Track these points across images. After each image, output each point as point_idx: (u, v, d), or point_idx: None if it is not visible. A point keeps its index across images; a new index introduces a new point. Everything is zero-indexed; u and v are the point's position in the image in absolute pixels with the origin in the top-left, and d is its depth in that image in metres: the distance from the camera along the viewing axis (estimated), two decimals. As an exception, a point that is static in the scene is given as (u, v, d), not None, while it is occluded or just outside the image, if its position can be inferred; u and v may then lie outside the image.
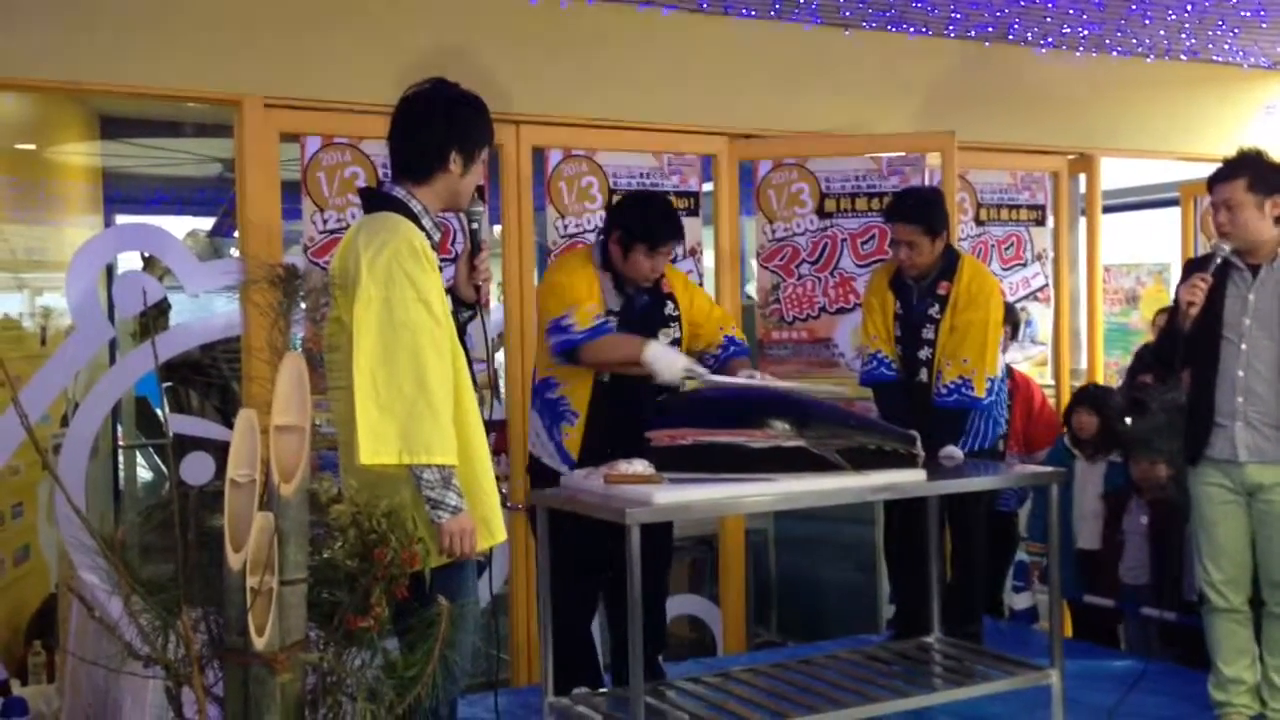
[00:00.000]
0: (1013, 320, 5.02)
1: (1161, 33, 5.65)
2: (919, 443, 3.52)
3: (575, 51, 4.83)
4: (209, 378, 6.92)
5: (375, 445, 2.53)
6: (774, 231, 5.18)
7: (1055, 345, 5.97)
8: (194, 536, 2.29)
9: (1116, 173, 7.01)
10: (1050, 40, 5.72)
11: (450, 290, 2.93)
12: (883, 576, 5.39)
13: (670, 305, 3.89)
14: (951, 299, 4.24)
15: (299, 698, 2.25)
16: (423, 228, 2.74)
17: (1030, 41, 5.71)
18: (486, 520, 2.72)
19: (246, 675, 2.20)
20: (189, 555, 2.27)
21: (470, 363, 2.84)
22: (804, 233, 5.15)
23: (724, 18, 5.10)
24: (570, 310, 3.66)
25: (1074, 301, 6.14)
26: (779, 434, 3.34)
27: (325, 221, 4.36)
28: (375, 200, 2.82)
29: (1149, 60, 6.10)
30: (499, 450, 4.59)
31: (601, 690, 3.82)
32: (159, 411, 6.94)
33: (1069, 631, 4.96)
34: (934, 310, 4.26)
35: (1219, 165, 3.72)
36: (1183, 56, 6.09)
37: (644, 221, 3.75)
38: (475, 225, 2.99)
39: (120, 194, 7.71)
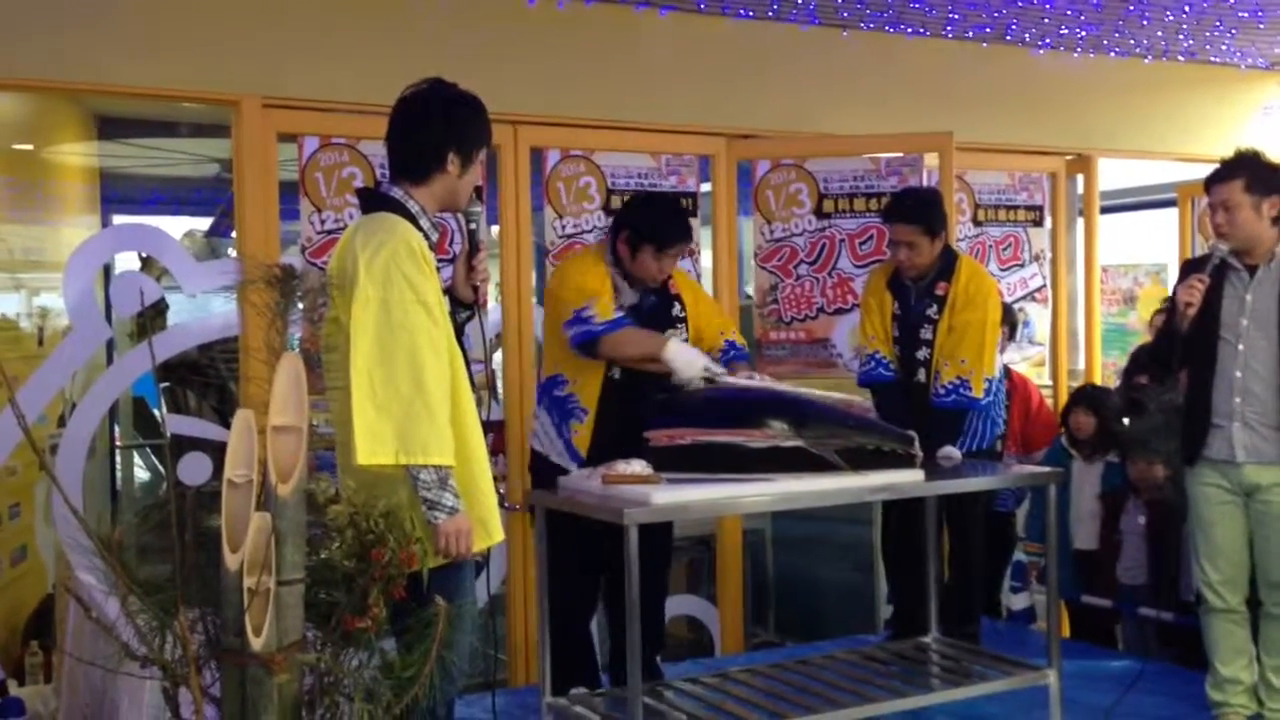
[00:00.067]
0: (1010, 321, 5.02)
1: (1159, 33, 5.65)
2: (917, 443, 3.52)
3: (573, 52, 4.83)
4: (206, 378, 6.91)
5: (372, 446, 2.52)
6: (772, 232, 5.18)
7: (1053, 346, 5.97)
8: (191, 537, 2.29)
9: (1114, 173, 7.01)
10: (1048, 41, 5.72)
11: (448, 291, 2.93)
12: (880, 577, 5.40)
13: (678, 306, 3.90)
14: (949, 299, 4.24)
15: (296, 698, 2.25)
16: (420, 228, 2.74)
17: (1028, 42, 5.71)
18: (484, 521, 2.72)
19: (244, 676, 2.19)
20: (186, 556, 2.27)
21: (468, 363, 2.83)
22: (802, 233, 5.15)
23: (722, 18, 5.10)
24: (591, 302, 3.66)
25: (1072, 302, 6.15)
26: (777, 434, 3.34)
27: (323, 222, 4.35)
28: (373, 201, 2.82)
29: (1147, 61, 6.10)
30: (497, 450, 4.59)
31: (599, 690, 3.82)
32: (156, 412, 6.93)
33: (1066, 632, 4.96)
34: (932, 311, 4.26)
35: (1216, 166, 3.72)
36: (1180, 57, 6.10)
37: (652, 223, 3.76)
38: (473, 225, 2.98)
39: (117, 194, 7.71)
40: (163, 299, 5.58)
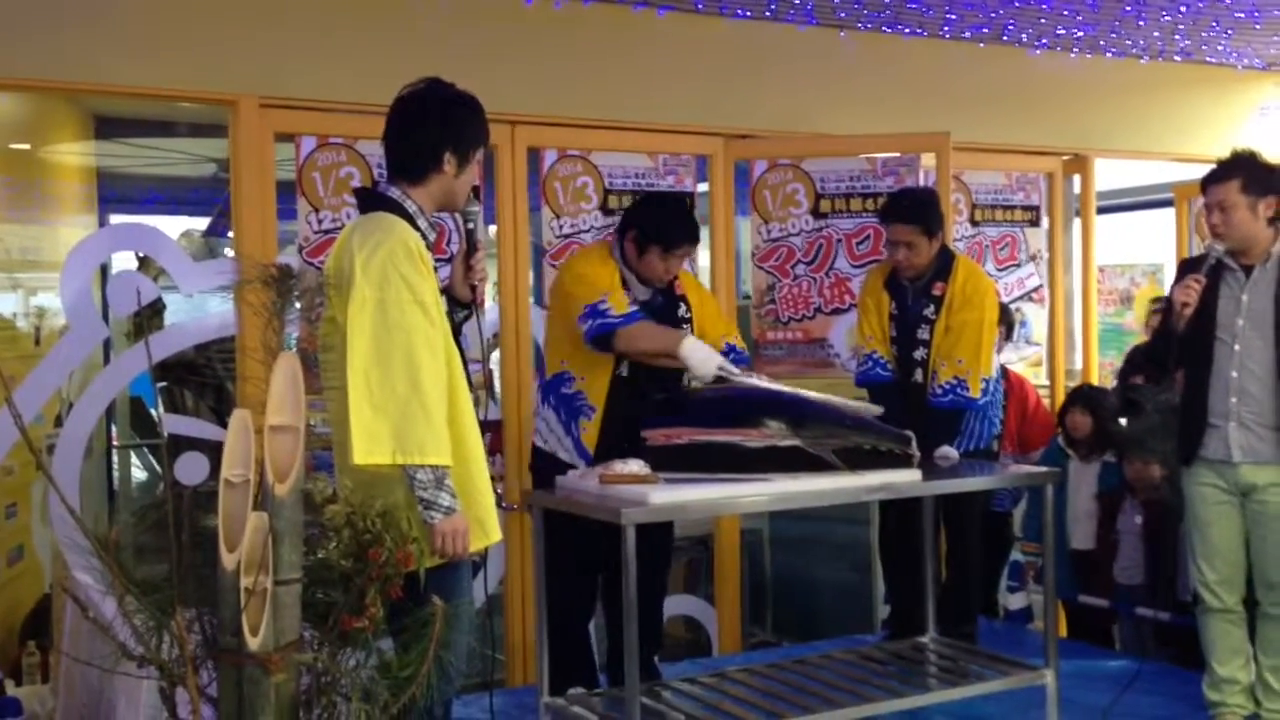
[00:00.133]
0: (1007, 321, 5.02)
1: (1156, 34, 5.65)
2: (914, 443, 3.52)
3: (571, 52, 4.83)
4: (203, 378, 6.90)
5: (369, 445, 2.52)
6: (769, 232, 5.18)
7: (1050, 346, 5.98)
8: (188, 537, 2.29)
9: (1111, 173, 7.02)
10: (1045, 41, 5.72)
11: (445, 290, 2.93)
12: (878, 577, 5.40)
13: (683, 307, 3.90)
14: (947, 299, 4.24)
15: (293, 698, 2.25)
16: (418, 228, 2.74)
17: (1025, 43, 5.72)
18: (481, 520, 2.72)
19: (241, 676, 2.19)
20: (183, 555, 2.27)
21: (465, 363, 2.83)
22: (799, 233, 5.15)
23: (719, 18, 5.10)
24: (605, 296, 3.66)
25: (1068, 302, 6.15)
26: (774, 434, 3.34)
27: (320, 222, 4.35)
28: (370, 200, 2.82)
29: (1143, 61, 6.11)
30: (495, 450, 4.58)
31: (597, 690, 3.82)
32: (153, 411, 6.93)
33: (1064, 631, 4.96)
34: (929, 311, 4.26)
35: (1213, 166, 3.72)
36: (1177, 58, 6.10)
37: (660, 223, 3.76)
38: (471, 225, 2.98)
39: (115, 194, 7.70)
40: (160, 299, 5.57)
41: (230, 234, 5.04)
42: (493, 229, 4.88)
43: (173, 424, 5.33)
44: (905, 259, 4.23)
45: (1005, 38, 5.62)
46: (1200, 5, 5.22)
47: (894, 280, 4.34)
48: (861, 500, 4.23)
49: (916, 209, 4.24)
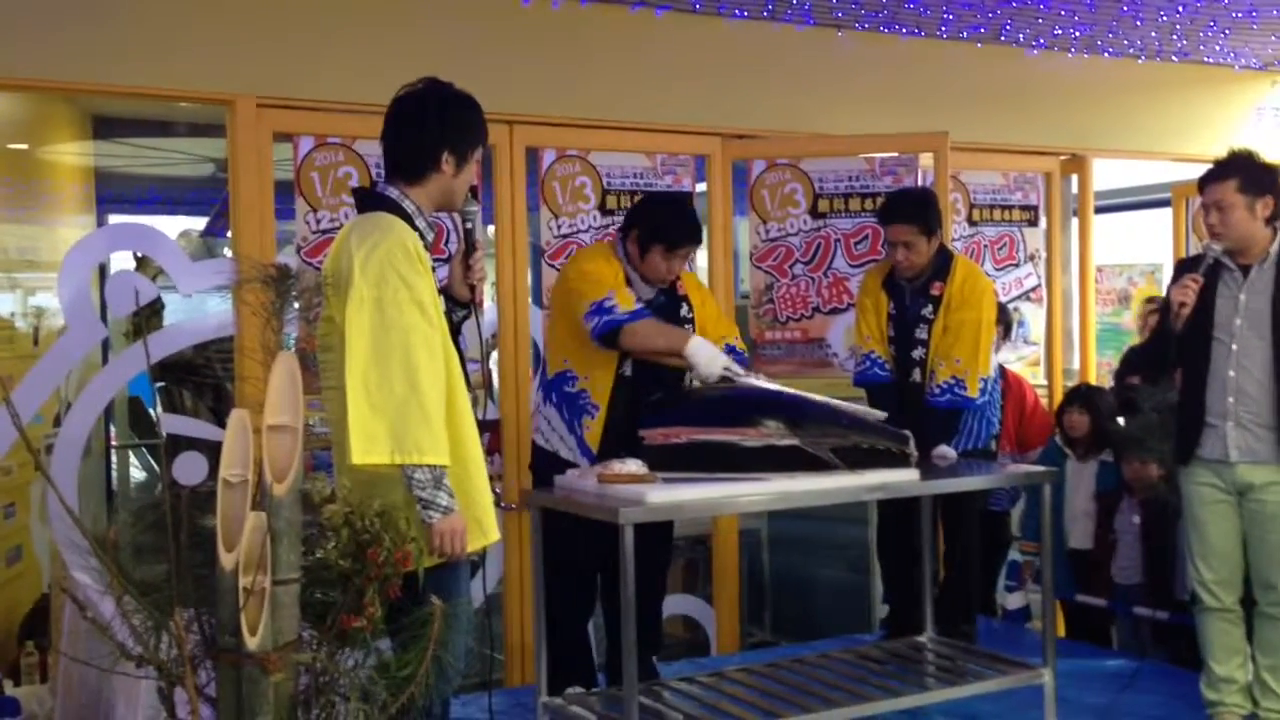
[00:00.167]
0: (1005, 320, 5.03)
1: (1153, 34, 5.66)
2: (912, 442, 3.52)
3: (569, 52, 4.84)
4: (202, 378, 6.90)
5: (366, 445, 2.52)
6: (767, 232, 5.19)
7: (1048, 345, 5.98)
8: (187, 536, 2.29)
9: (1108, 173, 7.02)
10: (1042, 41, 5.73)
11: (444, 290, 2.93)
12: (876, 576, 5.40)
13: (685, 307, 3.90)
14: (945, 299, 4.24)
15: (292, 698, 2.25)
16: (416, 228, 2.74)
17: (1022, 43, 5.72)
18: (479, 520, 2.72)
19: (239, 675, 2.19)
20: (182, 555, 2.27)
21: (464, 363, 2.84)
22: (797, 233, 5.15)
23: (717, 18, 5.11)
24: (612, 293, 3.66)
25: (1066, 302, 6.16)
26: (772, 433, 3.35)
27: (318, 221, 4.35)
28: (368, 200, 2.82)
29: (1140, 61, 6.11)
30: (493, 450, 4.59)
31: (595, 690, 3.82)
32: (152, 411, 6.92)
33: (1062, 631, 4.97)
34: (927, 311, 4.26)
35: (1210, 166, 3.73)
36: (1174, 58, 6.11)
37: (662, 223, 3.77)
38: (469, 225, 2.99)
39: (113, 194, 7.69)
40: (158, 298, 5.57)
41: (228, 234, 5.04)
42: (491, 229, 4.88)
43: (171, 424, 5.33)
44: (904, 259, 4.24)
45: (1003, 37, 5.63)
46: (1198, 5, 5.22)
47: (892, 280, 4.35)
48: (860, 500, 4.24)
49: (915, 209, 4.25)
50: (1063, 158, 6.05)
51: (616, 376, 3.76)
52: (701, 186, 5.13)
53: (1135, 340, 6.35)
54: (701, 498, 3.31)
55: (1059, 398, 5.42)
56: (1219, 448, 3.67)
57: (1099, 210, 6.39)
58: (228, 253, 7.39)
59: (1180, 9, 5.26)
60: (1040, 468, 4.30)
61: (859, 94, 5.45)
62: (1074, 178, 6.16)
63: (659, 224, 3.76)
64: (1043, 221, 5.94)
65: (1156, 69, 6.17)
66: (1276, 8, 5.27)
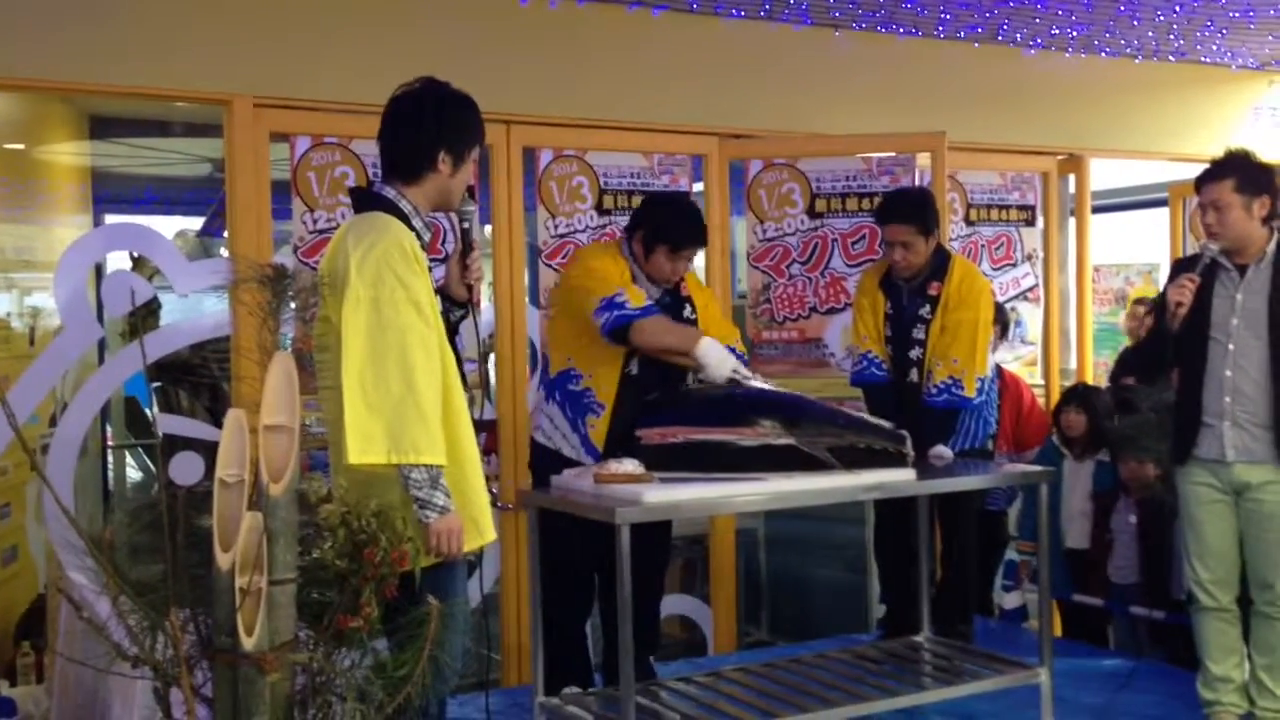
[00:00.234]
0: (1002, 320, 5.03)
1: (1150, 34, 5.66)
2: (909, 442, 3.52)
3: (566, 51, 4.83)
4: (198, 378, 6.90)
5: (363, 445, 2.52)
6: (764, 231, 5.19)
7: (1045, 345, 5.99)
8: (183, 537, 2.28)
9: (1106, 173, 7.03)
10: (1039, 41, 5.73)
11: (442, 290, 2.93)
12: (873, 576, 5.41)
13: (689, 308, 3.89)
14: (942, 299, 4.24)
15: (288, 698, 2.25)
16: (413, 228, 2.74)
17: (1020, 42, 5.72)
18: (476, 520, 2.72)
19: (235, 675, 2.19)
20: (178, 555, 2.27)
21: (461, 363, 2.83)
22: (794, 233, 5.15)
23: (714, 18, 5.11)
24: (622, 289, 3.65)
25: (1063, 301, 6.16)
26: (769, 432, 3.35)
27: (315, 221, 4.35)
28: (365, 200, 2.82)
29: (1138, 61, 6.12)
30: (490, 450, 4.59)
31: (592, 690, 3.82)
32: (148, 411, 6.92)
33: (1058, 630, 4.97)
34: (925, 310, 4.26)
35: (1207, 166, 3.73)
36: (1171, 57, 6.11)
37: (668, 223, 3.76)
38: (467, 224, 2.99)
39: (109, 194, 7.68)
40: (155, 298, 5.57)
41: (225, 234, 5.04)
42: (488, 229, 4.88)
43: (167, 424, 5.32)
44: (902, 259, 4.23)
45: (1000, 37, 5.63)
46: (1195, 5, 5.23)
47: (889, 280, 4.35)
48: (857, 499, 4.24)
49: (913, 209, 4.25)
50: (1060, 157, 6.05)
51: (622, 375, 3.76)
52: (699, 186, 5.13)
53: (1127, 342, 6.36)
54: (698, 498, 3.31)
55: (1056, 397, 5.42)
56: (1216, 447, 3.67)
57: (1096, 210, 6.39)
58: (224, 253, 7.39)
59: (1177, 9, 5.26)
60: (1037, 467, 4.30)
61: (856, 94, 5.45)
62: (1071, 177, 6.16)
63: (664, 224, 3.76)
64: (1040, 221, 5.94)
65: (1153, 69, 6.18)
66: (1273, 7, 5.28)
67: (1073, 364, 6.17)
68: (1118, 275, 8.57)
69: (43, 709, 4.16)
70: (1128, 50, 5.95)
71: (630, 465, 3.30)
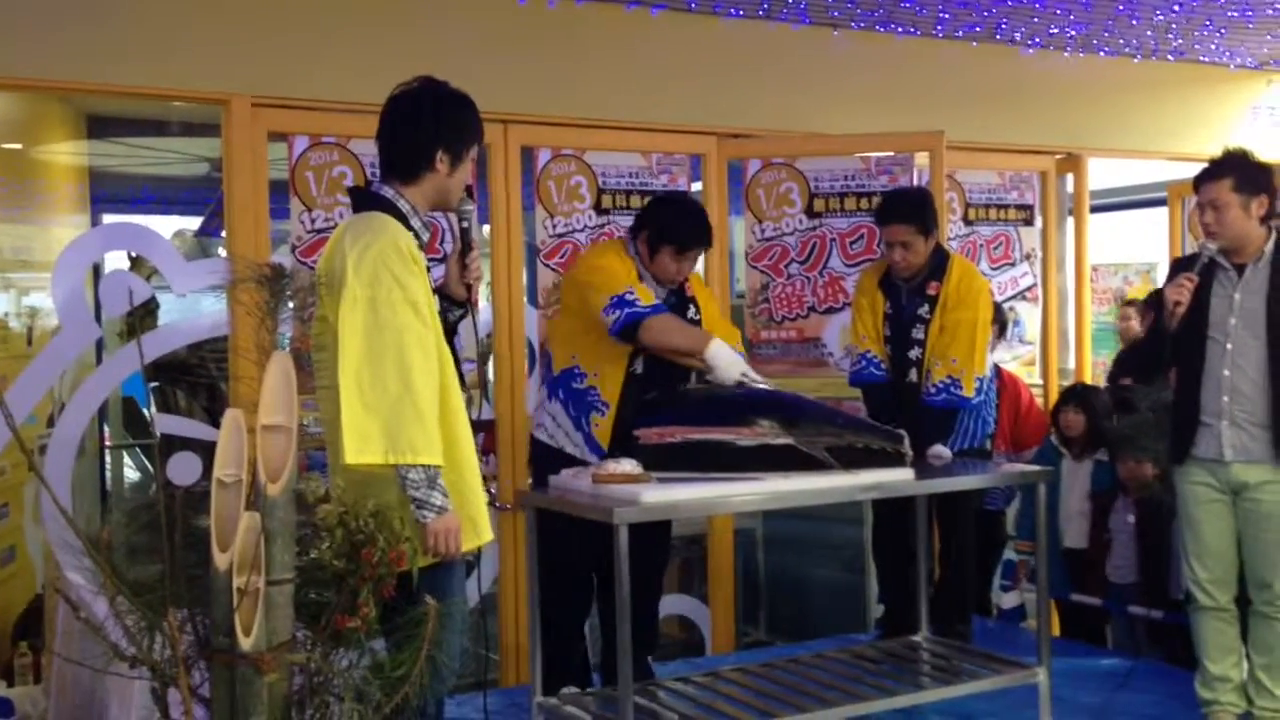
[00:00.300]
0: (1000, 320, 5.03)
1: (1149, 33, 5.67)
2: (907, 441, 3.52)
3: (564, 51, 4.83)
4: (196, 378, 6.90)
5: (360, 445, 2.52)
6: (763, 231, 5.18)
7: (1043, 345, 5.99)
8: (181, 537, 2.28)
9: (1104, 173, 7.03)
10: (1038, 40, 5.73)
11: (441, 289, 2.93)
12: (871, 576, 5.40)
13: (692, 309, 3.89)
14: (941, 299, 4.24)
15: (286, 698, 2.24)
16: (411, 227, 2.74)
17: (1018, 41, 5.73)
18: (473, 520, 2.72)
19: (233, 676, 2.19)
20: (175, 556, 2.27)
21: (459, 363, 2.83)
22: (793, 232, 5.15)
23: (713, 17, 5.10)
24: (632, 288, 3.65)
25: (1062, 301, 6.16)
26: (767, 432, 3.35)
27: (313, 221, 4.35)
28: (364, 200, 2.82)
29: (1136, 60, 6.12)
30: (488, 450, 4.58)
31: (590, 690, 3.82)
32: (146, 411, 6.92)
33: (1056, 630, 4.97)
34: (923, 310, 4.26)
35: (1205, 165, 3.73)
36: (1170, 57, 6.11)
37: (673, 224, 3.76)
38: (466, 224, 2.98)
39: (107, 193, 7.68)
40: (153, 298, 5.56)
41: (223, 233, 5.03)
42: (486, 228, 4.88)
43: (165, 424, 5.32)
44: (902, 259, 4.23)
45: (998, 37, 5.63)
46: (1193, 4, 5.23)
47: (888, 280, 4.35)
48: (855, 499, 4.24)
49: (913, 209, 4.24)
50: (1058, 157, 6.05)
51: (627, 374, 3.76)
52: (697, 186, 5.13)
53: (1119, 345, 6.39)
54: (696, 497, 3.30)
55: (1054, 397, 5.42)
56: (1214, 447, 3.67)
57: (1095, 209, 6.40)
58: (222, 252, 7.39)
59: (1176, 8, 5.26)
60: (1035, 467, 4.30)
61: (854, 93, 5.45)
62: (1070, 177, 6.16)
63: (670, 224, 3.76)
64: (1038, 221, 5.94)
65: (1152, 68, 6.18)
66: (1271, 7, 5.28)
67: (1071, 364, 6.17)
68: (1116, 275, 8.58)
69: (40, 709, 4.15)
70: (1126, 49, 5.95)
71: (628, 465, 3.30)
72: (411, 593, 2.41)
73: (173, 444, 4.29)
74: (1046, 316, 5.99)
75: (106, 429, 6.28)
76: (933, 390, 4.21)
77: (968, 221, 5.77)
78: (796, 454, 3.36)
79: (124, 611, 2.29)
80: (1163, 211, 6.66)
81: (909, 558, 4.30)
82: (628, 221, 4.58)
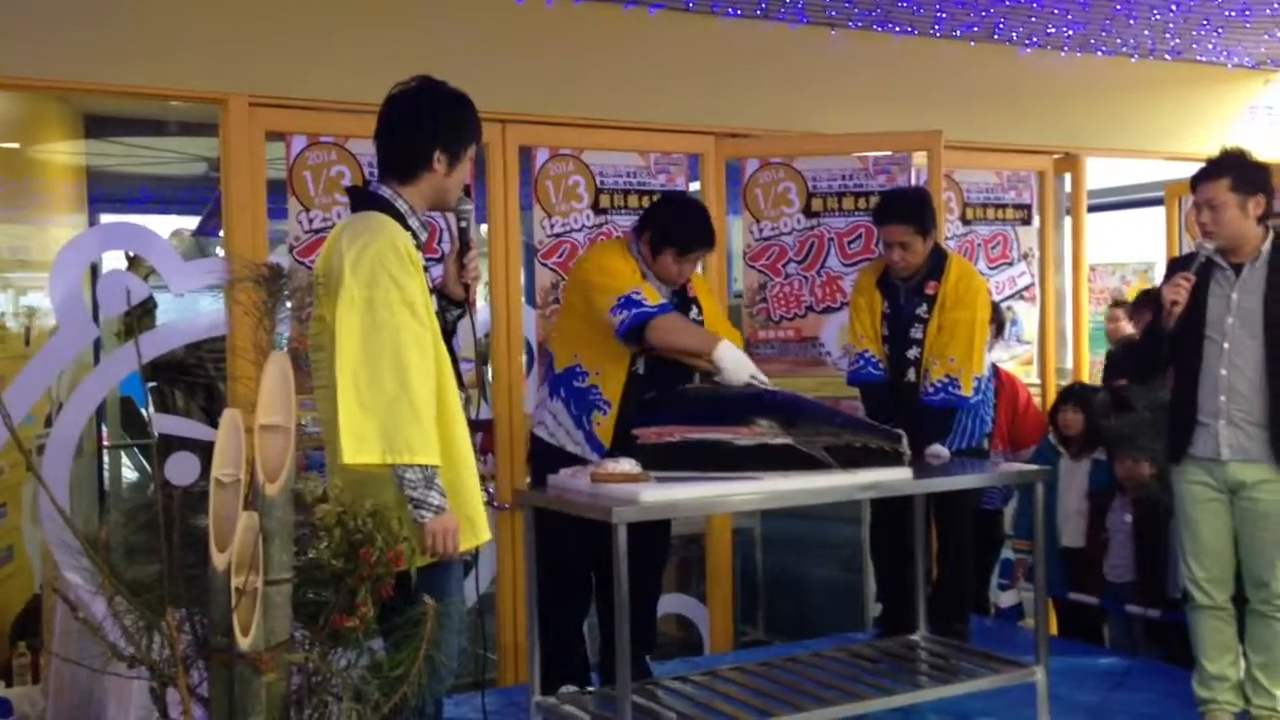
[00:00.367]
0: (997, 319, 5.04)
1: (1146, 32, 5.67)
2: (905, 441, 3.52)
3: (562, 50, 4.83)
4: (194, 377, 6.90)
5: (357, 445, 2.52)
6: (761, 230, 5.19)
7: (1041, 344, 5.99)
8: (179, 537, 2.28)
9: (1102, 172, 7.04)
10: (1035, 40, 5.74)
11: (439, 289, 2.93)
12: (869, 575, 5.41)
13: (695, 310, 3.89)
14: (939, 298, 4.24)
15: (284, 698, 2.24)
16: (409, 227, 2.74)
17: (1016, 41, 5.73)
18: (471, 520, 2.72)
19: (231, 675, 2.19)
20: (174, 555, 2.27)
21: (457, 362, 2.83)
22: (791, 232, 5.15)
23: (711, 17, 5.11)
24: (639, 287, 3.64)
25: (1059, 300, 6.17)
26: (766, 431, 3.35)
27: (311, 221, 4.34)
28: (362, 199, 2.82)
29: (1134, 60, 6.12)
30: (486, 450, 4.58)
31: (588, 689, 3.82)
32: (144, 411, 6.92)
33: (1054, 629, 4.98)
34: (922, 310, 4.26)
35: (1202, 165, 3.73)
36: (1167, 56, 6.12)
37: (676, 226, 3.76)
38: (464, 224, 2.98)
39: (104, 193, 7.68)
40: (150, 298, 5.56)
41: (221, 233, 5.03)
42: (484, 228, 4.88)
43: (163, 424, 5.33)
44: (900, 259, 4.23)
45: (996, 36, 5.63)
46: (1191, 4, 5.23)
47: (886, 279, 4.35)
48: (853, 498, 4.24)
49: (911, 209, 4.24)
50: (1056, 156, 6.05)
51: (629, 374, 3.75)
52: (695, 186, 5.13)
53: (1108, 345, 6.39)
54: (695, 497, 3.30)
55: (1052, 396, 5.43)
56: (1211, 446, 3.67)
57: (1092, 209, 6.40)
58: (220, 252, 7.39)
59: (1173, 8, 5.27)
60: (1033, 466, 4.31)
61: (852, 93, 5.45)
62: (1067, 176, 6.17)
63: (673, 226, 3.75)
64: (1036, 220, 5.95)
65: (1150, 68, 6.18)
66: (1269, 7, 5.29)
67: (1069, 363, 6.18)
68: (1114, 274, 8.59)
69: (38, 709, 4.15)
70: (1124, 49, 5.96)
71: (627, 465, 3.30)
72: (410, 592, 2.41)
73: (171, 444, 4.29)
74: (1044, 316, 5.99)
75: (104, 429, 6.28)
76: (931, 390, 4.21)
77: (965, 221, 5.77)
78: (795, 453, 3.36)
79: (122, 611, 2.29)
80: (1160, 211, 6.66)
81: (907, 557, 4.30)
82: (625, 221, 4.60)
